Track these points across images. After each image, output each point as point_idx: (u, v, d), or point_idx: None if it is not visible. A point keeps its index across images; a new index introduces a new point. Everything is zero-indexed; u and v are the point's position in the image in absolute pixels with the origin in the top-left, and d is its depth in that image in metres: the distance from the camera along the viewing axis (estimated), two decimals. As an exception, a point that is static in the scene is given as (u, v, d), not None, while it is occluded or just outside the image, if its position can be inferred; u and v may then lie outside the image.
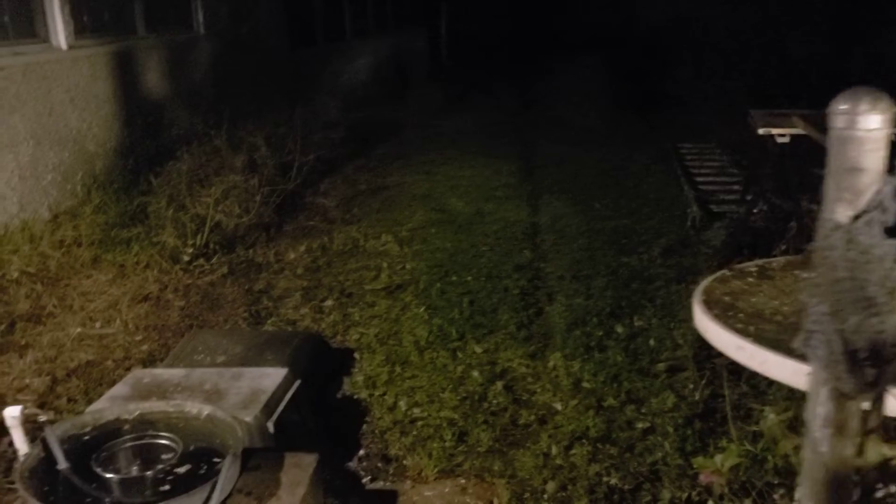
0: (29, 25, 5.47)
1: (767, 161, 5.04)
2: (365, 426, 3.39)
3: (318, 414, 3.28)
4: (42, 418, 2.72)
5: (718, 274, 2.58)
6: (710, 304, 2.35)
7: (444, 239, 5.77)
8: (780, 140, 4.49)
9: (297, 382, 3.02)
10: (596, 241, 5.64)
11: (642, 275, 4.93)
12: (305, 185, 7.11)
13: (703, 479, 2.54)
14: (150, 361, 3.99)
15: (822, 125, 4.32)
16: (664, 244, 5.40)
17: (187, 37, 7.42)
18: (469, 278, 4.96)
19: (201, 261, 5.22)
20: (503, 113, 12.42)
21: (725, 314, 2.28)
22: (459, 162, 8.50)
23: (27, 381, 3.88)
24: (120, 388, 2.95)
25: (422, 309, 4.47)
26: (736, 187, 6.49)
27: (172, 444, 2.26)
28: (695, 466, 2.66)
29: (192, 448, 2.27)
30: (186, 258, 5.16)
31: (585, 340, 4.03)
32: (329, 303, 4.67)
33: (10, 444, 3.35)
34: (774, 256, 4.56)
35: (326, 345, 3.89)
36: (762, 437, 2.78)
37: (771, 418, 2.74)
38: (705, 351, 3.73)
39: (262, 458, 2.45)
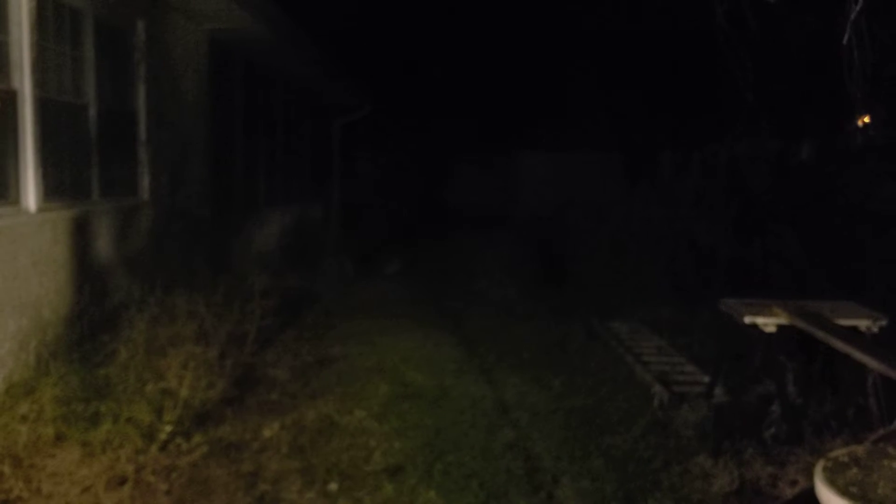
0: (2, 187, 5.22)
1: (741, 347, 5.37)
2: None
3: None
4: None
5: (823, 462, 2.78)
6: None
7: (420, 415, 5.69)
8: (766, 330, 4.81)
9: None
10: (572, 421, 5.72)
11: (633, 456, 5.01)
12: (253, 355, 6.89)
13: None
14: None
15: (804, 315, 4.70)
16: (642, 425, 5.53)
17: (133, 202, 7.26)
18: (467, 458, 4.88)
19: (178, 439, 4.90)
20: (416, 283, 12.60)
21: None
22: (395, 332, 8.49)
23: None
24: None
25: (432, 493, 4.35)
26: (688, 368, 6.81)
27: None
28: None
29: None
30: (164, 436, 4.83)
31: (613, 526, 4.03)
32: (333, 486, 4.46)
33: None
34: (764, 439, 4.79)
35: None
36: None
37: None
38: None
39: None
